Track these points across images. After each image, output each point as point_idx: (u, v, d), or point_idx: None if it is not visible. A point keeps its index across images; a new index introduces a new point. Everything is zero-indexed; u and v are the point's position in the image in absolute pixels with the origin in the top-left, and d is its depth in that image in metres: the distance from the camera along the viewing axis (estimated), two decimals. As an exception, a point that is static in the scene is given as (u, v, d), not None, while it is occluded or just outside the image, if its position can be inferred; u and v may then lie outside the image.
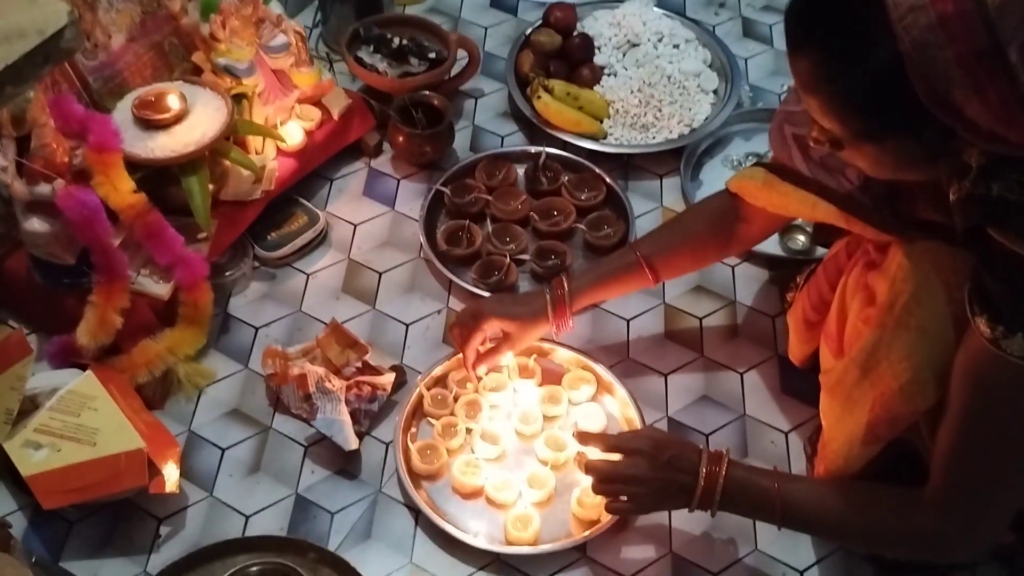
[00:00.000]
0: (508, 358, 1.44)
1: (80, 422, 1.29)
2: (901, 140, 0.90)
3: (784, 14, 0.94)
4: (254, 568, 1.20)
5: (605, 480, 1.21)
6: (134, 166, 1.40)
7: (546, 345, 1.48)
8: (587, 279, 1.38)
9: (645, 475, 1.17)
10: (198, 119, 1.45)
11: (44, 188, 1.32)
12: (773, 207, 1.27)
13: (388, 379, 1.42)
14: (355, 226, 1.68)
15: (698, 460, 1.16)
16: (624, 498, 1.21)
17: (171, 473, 1.28)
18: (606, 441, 1.24)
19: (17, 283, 1.47)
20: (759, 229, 1.37)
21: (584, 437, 1.27)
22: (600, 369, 1.46)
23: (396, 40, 1.79)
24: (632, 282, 1.39)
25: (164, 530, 1.31)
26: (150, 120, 1.42)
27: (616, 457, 1.21)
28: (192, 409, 1.44)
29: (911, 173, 0.97)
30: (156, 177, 1.45)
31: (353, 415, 1.39)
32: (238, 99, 1.59)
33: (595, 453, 1.26)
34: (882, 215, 1.10)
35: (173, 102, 1.44)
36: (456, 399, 1.43)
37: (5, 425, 1.29)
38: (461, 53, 1.85)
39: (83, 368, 1.37)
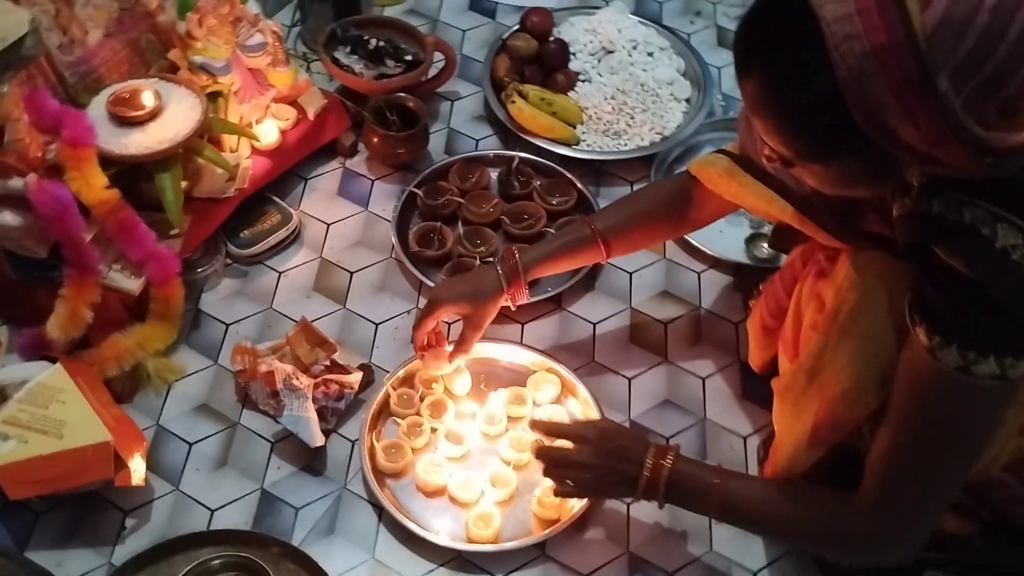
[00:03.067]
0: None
1: (48, 414, 1.30)
2: (844, 161, 0.93)
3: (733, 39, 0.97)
4: (217, 561, 1.22)
5: (552, 464, 1.26)
6: (108, 162, 1.41)
7: (512, 347, 1.51)
8: (540, 251, 1.41)
9: (589, 461, 1.22)
10: (172, 117, 1.46)
11: (17, 182, 1.33)
12: (730, 196, 1.30)
13: (355, 378, 1.44)
14: (328, 225, 1.70)
15: (645, 452, 1.20)
16: (570, 483, 1.25)
17: (137, 466, 1.29)
18: (557, 428, 1.28)
19: (-11, 276, 1.48)
20: (709, 214, 1.41)
21: (537, 425, 1.30)
22: (564, 371, 1.48)
23: (373, 41, 1.81)
24: (584, 255, 1.42)
25: (130, 522, 1.33)
26: (124, 117, 1.44)
27: (568, 445, 1.25)
28: (161, 403, 1.46)
29: (857, 190, 1.00)
30: (130, 173, 1.47)
31: (320, 413, 1.40)
32: (214, 97, 1.61)
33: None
34: (835, 222, 1.13)
35: (147, 99, 1.45)
36: (422, 399, 1.45)
37: (-27, 416, 1.30)
38: (438, 56, 1.87)
39: (53, 361, 1.38)
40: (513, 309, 1.46)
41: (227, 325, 1.56)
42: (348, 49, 1.81)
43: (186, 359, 1.51)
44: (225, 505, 1.35)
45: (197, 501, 1.36)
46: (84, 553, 1.30)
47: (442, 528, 1.33)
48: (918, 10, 0.79)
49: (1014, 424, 1.03)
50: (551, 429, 1.29)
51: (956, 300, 0.91)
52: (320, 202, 1.74)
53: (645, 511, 1.36)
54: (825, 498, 1.12)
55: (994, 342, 0.91)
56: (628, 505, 1.37)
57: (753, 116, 0.94)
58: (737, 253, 1.65)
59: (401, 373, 1.47)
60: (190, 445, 1.41)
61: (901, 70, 0.79)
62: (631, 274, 1.64)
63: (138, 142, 1.43)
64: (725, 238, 1.67)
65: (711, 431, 1.46)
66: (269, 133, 1.65)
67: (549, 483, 1.35)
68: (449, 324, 1.54)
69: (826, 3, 0.81)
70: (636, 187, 1.78)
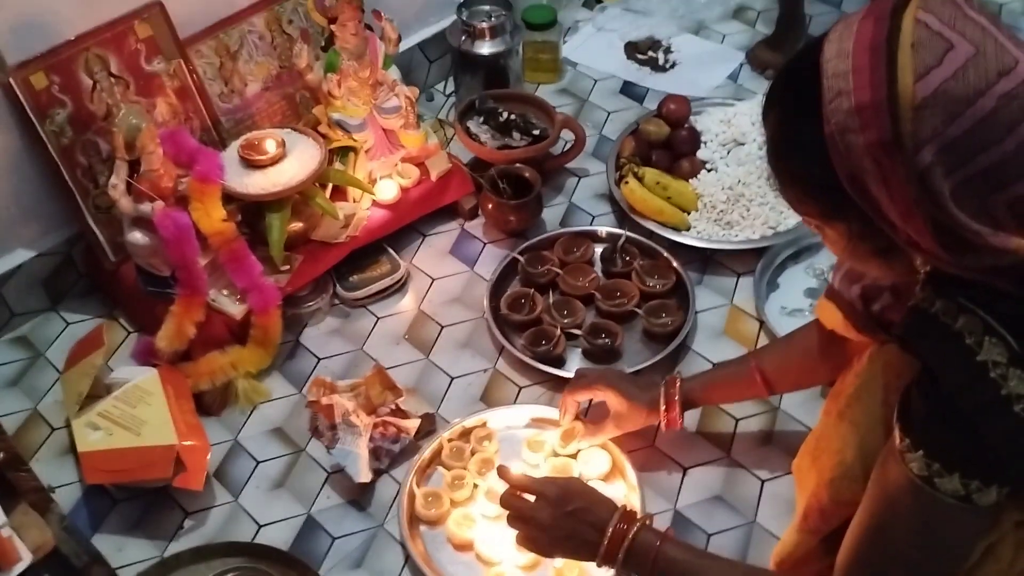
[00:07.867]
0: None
1: (135, 413, 1.46)
2: (845, 226, 0.92)
3: None
4: (231, 573, 1.31)
5: (512, 516, 1.23)
6: (229, 198, 1.58)
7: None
8: (700, 380, 1.43)
9: (545, 521, 1.19)
10: (291, 164, 1.61)
11: (146, 207, 1.51)
12: (830, 325, 1.26)
13: (413, 424, 1.51)
14: (433, 280, 1.79)
15: (608, 517, 1.16)
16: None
17: (197, 472, 1.42)
18: (521, 482, 1.25)
19: (126, 287, 1.68)
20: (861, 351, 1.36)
21: (503, 472, 1.29)
22: (617, 451, 1.47)
23: (505, 114, 1.90)
24: (744, 389, 1.42)
25: (188, 523, 1.45)
26: (250, 160, 1.60)
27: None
28: (243, 421, 1.58)
29: (869, 266, 0.99)
30: (255, 212, 1.63)
31: (375, 452, 1.48)
32: (346, 152, 1.76)
33: None
34: (867, 319, 1.13)
35: (270, 146, 1.60)
36: (473, 454, 1.49)
37: (75, 405, 1.48)
38: (571, 134, 1.94)
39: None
40: (663, 431, 1.46)
41: (319, 359, 1.67)
42: (481, 119, 1.92)
43: (275, 385, 1.63)
44: (272, 523, 1.45)
45: (249, 515, 1.46)
46: (143, 543, 1.43)
47: (461, 582, 1.36)
48: (910, 80, 0.79)
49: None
50: (515, 481, 1.26)
51: (931, 406, 0.87)
52: (432, 258, 1.84)
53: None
54: None
55: (960, 460, 0.86)
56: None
57: (769, 169, 0.95)
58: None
59: (462, 426, 1.52)
60: (257, 463, 1.53)
61: (878, 131, 0.80)
62: (714, 364, 1.61)
63: (257, 183, 1.59)
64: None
65: (757, 535, 1.40)
66: (388, 189, 1.77)
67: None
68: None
69: (831, 60, 0.84)
70: (743, 279, 1.76)
